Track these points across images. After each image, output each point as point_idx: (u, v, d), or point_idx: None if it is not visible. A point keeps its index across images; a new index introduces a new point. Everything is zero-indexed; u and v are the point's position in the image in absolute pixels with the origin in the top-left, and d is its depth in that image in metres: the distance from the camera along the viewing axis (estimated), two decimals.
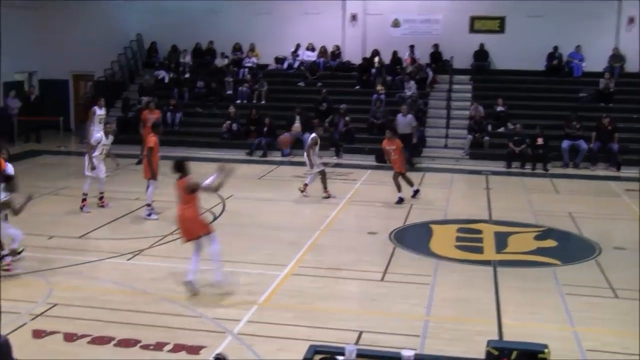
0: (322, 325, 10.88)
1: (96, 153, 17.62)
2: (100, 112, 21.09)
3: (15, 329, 10.52)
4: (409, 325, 10.98)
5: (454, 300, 12.18)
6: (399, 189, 19.07)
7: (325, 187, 19.57)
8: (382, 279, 13.16)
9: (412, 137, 24.43)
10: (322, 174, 19.63)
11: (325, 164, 20.37)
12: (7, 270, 13.12)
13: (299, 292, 12.46)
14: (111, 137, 17.94)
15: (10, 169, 14.35)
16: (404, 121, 24.55)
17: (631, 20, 28.87)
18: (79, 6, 31.57)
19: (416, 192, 19.57)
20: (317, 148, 19.67)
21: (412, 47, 29.99)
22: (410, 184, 19.51)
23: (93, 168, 17.56)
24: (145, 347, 10.12)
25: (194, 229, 12.25)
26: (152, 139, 17.00)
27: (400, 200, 18.89)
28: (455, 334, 10.67)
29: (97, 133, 19.72)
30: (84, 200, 17.77)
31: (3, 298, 10.14)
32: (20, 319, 11.00)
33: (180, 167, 12.24)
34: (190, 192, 12.06)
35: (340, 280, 13.06)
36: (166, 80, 31.16)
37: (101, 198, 18.13)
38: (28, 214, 17.23)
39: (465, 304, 12.02)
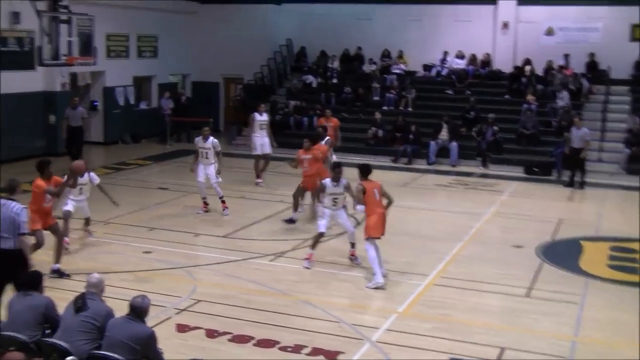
0: (463, 339, 10.65)
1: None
2: (260, 118, 21.11)
3: (161, 322, 10.78)
4: (555, 345, 10.59)
5: (605, 322, 11.65)
6: None
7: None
8: (527, 295, 12.73)
9: (582, 151, 22.86)
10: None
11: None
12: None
13: (440, 303, 12.24)
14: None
15: None
16: (578, 134, 23.14)
17: None
18: (233, 10, 32.24)
19: None
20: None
21: (566, 56, 29.11)
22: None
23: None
24: (284, 348, 10.16)
25: (383, 228, 13.08)
26: (322, 148, 17.29)
27: None
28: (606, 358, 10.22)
29: (258, 139, 20.16)
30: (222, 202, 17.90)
31: (151, 291, 10.38)
32: (165, 312, 11.27)
33: (368, 171, 13.38)
34: (383, 194, 13.15)
35: (482, 294, 12.76)
36: (314, 85, 31.40)
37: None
38: (176, 210, 17.77)
39: (616, 327, 11.48)
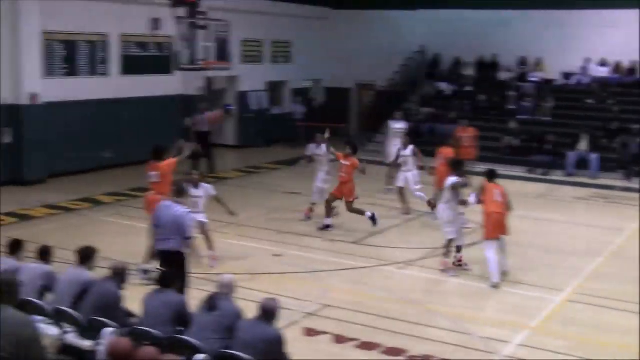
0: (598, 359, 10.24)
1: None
2: (395, 125, 20.96)
3: (289, 325, 10.80)
4: None
5: None
6: None
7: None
8: None
9: None
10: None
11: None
12: None
13: (575, 320, 11.83)
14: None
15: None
16: None
17: None
18: (367, 16, 32.29)
19: None
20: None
21: None
22: None
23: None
24: (412, 358, 10.03)
25: (501, 230, 13.27)
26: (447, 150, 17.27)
27: None
28: None
29: (392, 148, 20.06)
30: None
31: (280, 294, 10.43)
32: (293, 316, 11.30)
33: (494, 175, 13.76)
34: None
35: (621, 313, 12.17)
36: (447, 93, 31.08)
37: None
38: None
39: None
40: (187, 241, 10.40)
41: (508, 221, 13.53)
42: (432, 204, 17.44)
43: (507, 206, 13.47)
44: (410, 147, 18.44)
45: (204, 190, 13.83)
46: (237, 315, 8.24)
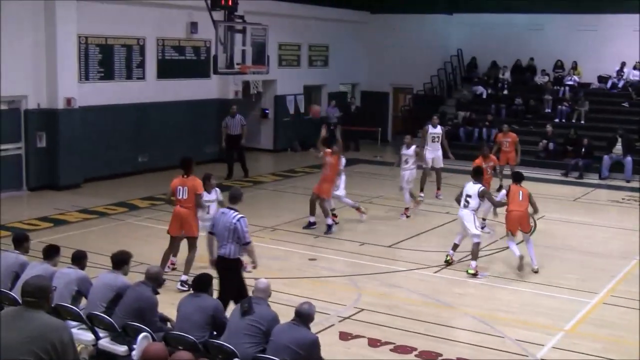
0: None
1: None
2: (433, 130, 20.63)
3: (324, 329, 10.88)
4: None
5: None
6: None
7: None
8: None
9: None
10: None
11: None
12: None
13: (610, 323, 11.80)
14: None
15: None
16: None
17: None
18: (404, 20, 32.26)
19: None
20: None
21: None
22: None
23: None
24: None
25: (519, 225, 14.26)
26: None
27: None
28: None
29: (429, 153, 19.93)
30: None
31: (316, 298, 10.51)
32: (329, 320, 11.37)
33: (520, 177, 14.68)
34: (530, 201, 14.33)
35: None
36: (484, 96, 31.01)
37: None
38: (341, 219, 17.91)
39: None
40: (245, 246, 10.45)
41: (528, 219, 14.41)
42: (407, 209, 18.52)
43: (533, 207, 14.45)
44: (413, 147, 18.60)
45: (216, 195, 13.75)
46: (273, 319, 8.29)
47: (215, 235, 10.55)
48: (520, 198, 14.18)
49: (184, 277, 12.65)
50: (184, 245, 13.25)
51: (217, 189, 13.91)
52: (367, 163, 27.34)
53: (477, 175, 14.62)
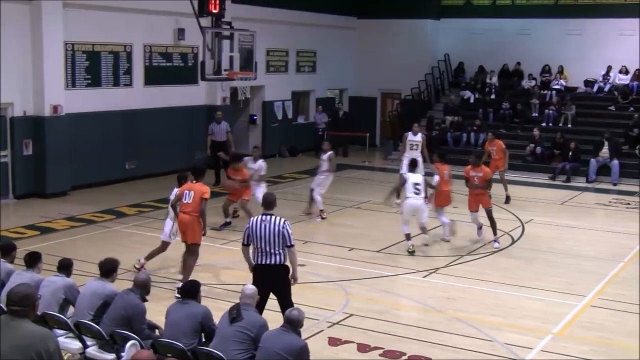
0: None
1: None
2: (413, 138, 20.46)
3: (313, 335, 10.88)
4: None
5: None
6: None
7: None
8: None
9: None
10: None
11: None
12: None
13: (598, 325, 11.83)
14: None
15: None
16: None
17: None
18: (391, 25, 32.29)
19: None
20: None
21: None
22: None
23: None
24: None
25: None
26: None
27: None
28: None
29: (407, 160, 19.58)
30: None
31: (305, 304, 10.48)
32: (318, 325, 11.37)
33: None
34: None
35: None
36: (472, 101, 31.10)
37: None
38: (330, 225, 17.96)
39: None
40: (291, 248, 10.14)
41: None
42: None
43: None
44: (328, 154, 18.79)
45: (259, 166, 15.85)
46: (262, 326, 8.27)
47: (257, 243, 10.08)
48: (447, 177, 16.76)
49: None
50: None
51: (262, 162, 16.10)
52: (356, 168, 27.36)
53: (412, 166, 16.56)
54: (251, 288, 8.64)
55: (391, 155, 28.24)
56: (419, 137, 20.52)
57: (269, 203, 10.42)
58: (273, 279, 10.11)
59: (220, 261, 14.86)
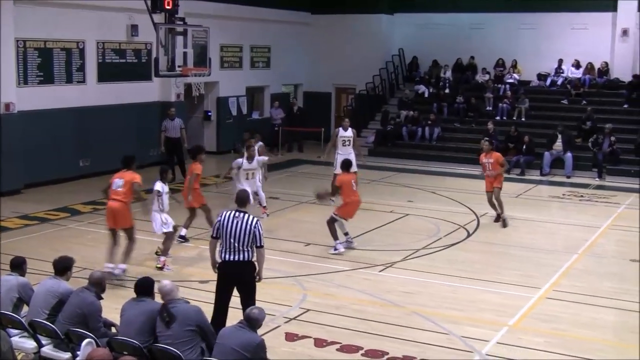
0: (576, 355, 10.36)
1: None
2: (344, 133, 19.90)
3: (270, 330, 10.85)
4: None
5: None
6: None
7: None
8: None
9: None
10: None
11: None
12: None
13: (553, 317, 11.95)
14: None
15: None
16: None
17: None
18: (345, 20, 32.36)
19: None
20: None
21: None
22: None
23: None
24: (392, 359, 10.08)
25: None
26: None
27: None
28: None
29: (339, 157, 19.19)
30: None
31: (262, 299, 10.46)
32: (275, 321, 11.35)
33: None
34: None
35: (597, 308, 12.40)
36: (426, 95, 31.26)
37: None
38: (287, 220, 17.96)
39: None
40: (260, 249, 10.09)
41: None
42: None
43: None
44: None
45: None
46: (197, 312, 8.35)
47: (226, 238, 10.01)
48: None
49: (122, 266, 13.31)
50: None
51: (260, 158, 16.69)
52: (311, 164, 27.34)
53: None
54: (167, 283, 8.57)
55: (320, 157, 25.55)
56: (349, 133, 20.00)
57: (242, 200, 10.41)
58: (238, 275, 10.10)
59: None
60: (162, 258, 14.06)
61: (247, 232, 9.92)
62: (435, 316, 11.79)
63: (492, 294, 13.01)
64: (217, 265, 10.26)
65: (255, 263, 10.16)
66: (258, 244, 10.01)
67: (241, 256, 9.98)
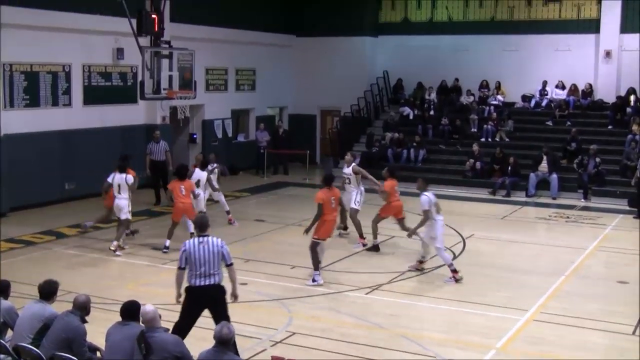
0: None
1: None
2: (345, 170, 18.56)
3: (256, 354, 10.81)
4: None
5: None
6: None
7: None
8: (634, 333, 12.25)
9: None
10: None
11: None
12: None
13: (540, 339, 11.94)
14: None
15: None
16: None
17: None
18: (330, 43, 32.47)
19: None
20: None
21: None
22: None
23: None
24: None
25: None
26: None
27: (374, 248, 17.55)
28: None
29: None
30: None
31: (247, 323, 10.41)
32: (260, 344, 11.30)
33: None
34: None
35: (585, 330, 12.37)
36: (411, 117, 31.32)
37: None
38: (273, 242, 17.93)
39: None
40: (231, 267, 10.21)
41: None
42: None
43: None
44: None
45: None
46: (176, 343, 8.26)
47: (196, 265, 10.02)
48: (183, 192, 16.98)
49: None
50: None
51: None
52: (297, 186, 27.34)
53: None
54: (150, 310, 8.43)
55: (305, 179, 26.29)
56: (348, 170, 18.58)
57: (202, 225, 10.45)
58: (212, 300, 10.13)
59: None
60: (115, 242, 16.29)
61: (216, 254, 10.02)
62: (422, 339, 11.76)
63: (479, 317, 12.97)
64: (183, 293, 10.27)
65: (224, 286, 10.23)
66: (228, 263, 10.13)
67: (212, 280, 10.05)
